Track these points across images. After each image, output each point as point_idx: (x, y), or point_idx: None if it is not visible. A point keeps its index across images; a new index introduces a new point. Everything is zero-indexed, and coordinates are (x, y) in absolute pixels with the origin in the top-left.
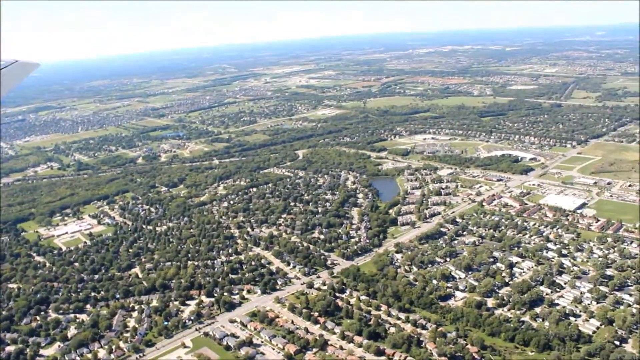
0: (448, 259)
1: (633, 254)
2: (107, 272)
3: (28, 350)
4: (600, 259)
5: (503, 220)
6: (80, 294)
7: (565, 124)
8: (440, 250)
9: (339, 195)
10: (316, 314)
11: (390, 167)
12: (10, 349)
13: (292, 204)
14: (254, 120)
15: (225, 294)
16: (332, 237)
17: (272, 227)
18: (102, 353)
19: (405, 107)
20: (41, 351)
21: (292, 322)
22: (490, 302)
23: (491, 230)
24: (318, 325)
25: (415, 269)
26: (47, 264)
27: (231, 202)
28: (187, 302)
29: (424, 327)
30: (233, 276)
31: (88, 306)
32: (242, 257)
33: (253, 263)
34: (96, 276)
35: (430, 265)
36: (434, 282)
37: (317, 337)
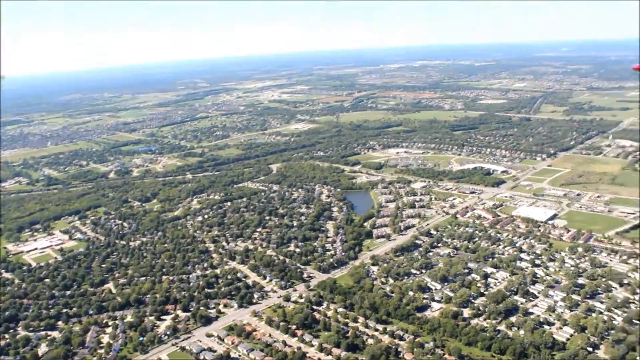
0: (424, 271)
1: (603, 263)
2: (79, 287)
3: None
4: (572, 268)
5: (477, 231)
6: (52, 310)
7: (534, 137)
8: (416, 262)
9: (314, 208)
10: (294, 326)
11: (364, 180)
12: None
13: (267, 217)
14: (227, 135)
15: (202, 308)
16: (308, 250)
17: (248, 241)
18: None
19: (378, 121)
20: None
21: (270, 335)
22: (466, 312)
23: (465, 242)
24: (296, 338)
25: (391, 280)
26: (16, 281)
27: (205, 216)
28: (163, 317)
29: (401, 338)
30: (209, 290)
31: (60, 323)
32: (217, 271)
33: (229, 277)
34: (68, 292)
35: (406, 277)
36: (411, 293)
37: (295, 350)
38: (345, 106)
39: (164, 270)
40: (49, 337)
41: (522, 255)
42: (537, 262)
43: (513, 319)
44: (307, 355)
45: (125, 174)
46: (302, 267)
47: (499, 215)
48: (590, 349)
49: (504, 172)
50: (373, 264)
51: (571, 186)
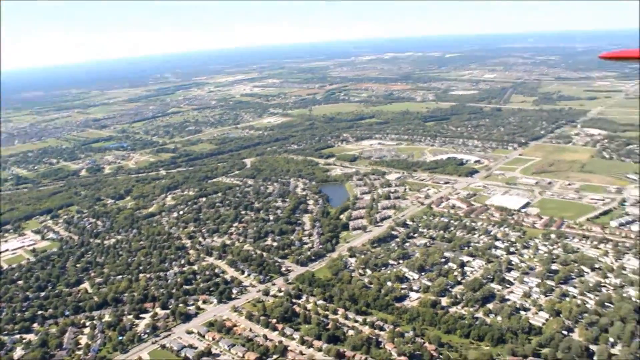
0: (401, 261)
1: (575, 249)
2: (54, 288)
3: None
4: (545, 254)
5: (452, 221)
6: (26, 313)
7: (506, 127)
8: (393, 252)
9: (290, 202)
10: (274, 320)
11: (339, 173)
12: None
13: (243, 212)
14: (200, 130)
15: (181, 305)
16: (285, 244)
17: (224, 236)
18: None
19: (351, 113)
20: None
21: (251, 330)
22: (445, 300)
23: (441, 232)
24: (277, 332)
25: (369, 272)
26: None
27: (181, 212)
28: (142, 315)
29: (381, 329)
30: (187, 287)
31: (35, 325)
32: (195, 267)
33: (207, 273)
34: (42, 293)
35: (384, 268)
36: (389, 284)
37: (277, 344)
38: (318, 99)
39: (141, 268)
40: (24, 340)
41: (497, 244)
42: (512, 249)
43: (490, 305)
44: (289, 348)
45: (97, 171)
46: (280, 260)
47: (473, 205)
48: (565, 332)
49: (477, 162)
50: (350, 256)
51: (542, 174)
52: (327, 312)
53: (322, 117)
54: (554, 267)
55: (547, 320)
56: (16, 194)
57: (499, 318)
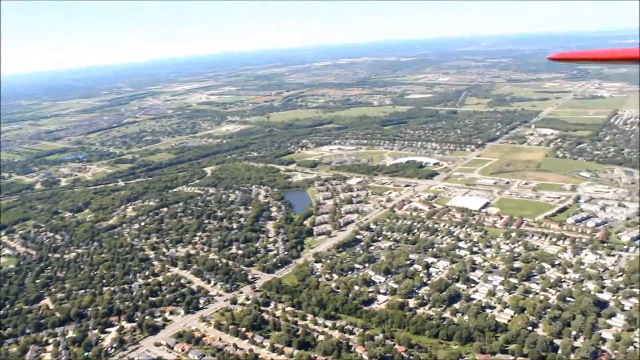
0: (367, 265)
1: (535, 246)
2: (12, 306)
3: None
4: (507, 253)
5: (415, 223)
6: None
7: (462, 129)
8: (359, 256)
9: (253, 209)
10: (243, 329)
11: (300, 179)
12: None
13: (206, 221)
14: (157, 140)
15: (147, 317)
16: (250, 251)
17: (188, 246)
18: None
19: (309, 119)
20: None
21: (220, 339)
22: (412, 302)
23: (405, 234)
24: (246, 340)
25: (336, 276)
26: None
27: (142, 223)
28: (107, 329)
29: (351, 332)
30: (153, 299)
31: None
32: (160, 278)
33: (173, 284)
34: (0, 312)
35: (350, 272)
36: (356, 288)
37: (247, 352)
38: (275, 106)
39: (104, 281)
40: None
41: (460, 244)
42: (475, 249)
43: (457, 305)
44: (260, 356)
45: (53, 184)
46: (246, 268)
47: (434, 207)
48: (530, 328)
49: (436, 164)
50: (316, 261)
51: (500, 175)
52: (296, 319)
53: (281, 123)
54: (516, 264)
55: (512, 317)
56: None
57: (465, 317)
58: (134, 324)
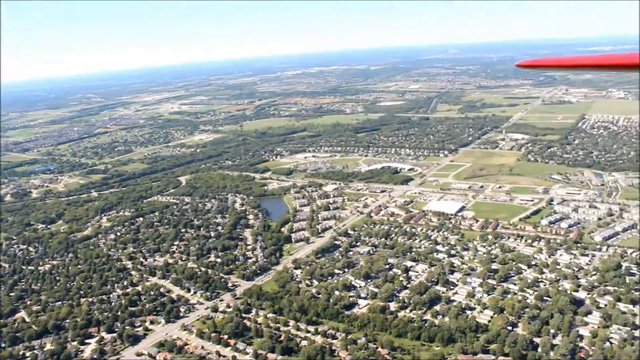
0: (346, 270)
1: (511, 248)
2: None
3: None
4: (484, 255)
5: (392, 228)
6: None
7: (435, 135)
8: (338, 262)
9: (230, 217)
10: (225, 336)
11: (276, 186)
12: None
13: (183, 230)
14: (130, 150)
15: (127, 327)
16: (229, 259)
17: (166, 255)
18: None
19: (282, 127)
20: None
21: (202, 347)
22: (393, 305)
23: (383, 239)
24: (229, 348)
25: (316, 282)
26: None
27: (118, 233)
28: (87, 340)
29: (334, 337)
30: (133, 308)
31: None
32: (139, 288)
33: (152, 293)
34: None
35: (330, 278)
36: (337, 293)
37: (230, 359)
38: (248, 114)
39: (82, 292)
40: None
41: (438, 247)
42: (453, 252)
43: (437, 307)
44: None
45: (24, 195)
46: (225, 276)
47: (411, 211)
48: (510, 328)
49: (411, 170)
50: (296, 268)
51: (474, 179)
52: (278, 325)
53: (254, 132)
54: (494, 266)
55: (492, 317)
56: None
57: (446, 319)
58: (114, 335)
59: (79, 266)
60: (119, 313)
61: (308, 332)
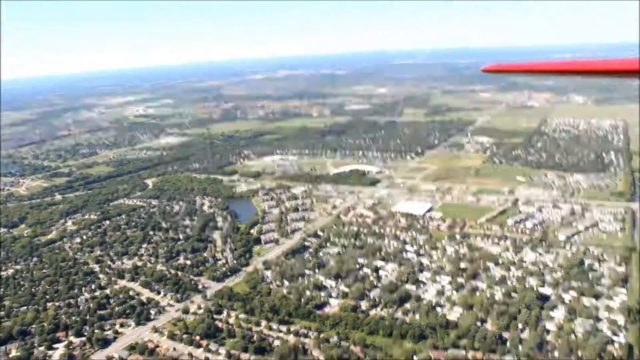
0: (317, 270)
1: (479, 247)
2: None
3: None
4: (453, 254)
5: (361, 229)
6: None
7: (402, 139)
8: (308, 262)
9: (198, 220)
10: (197, 337)
11: (244, 189)
12: None
13: (151, 233)
14: (94, 152)
15: (97, 331)
16: (198, 261)
17: (134, 258)
18: None
19: (249, 131)
20: None
21: (174, 349)
22: (364, 304)
23: (352, 240)
24: (201, 349)
25: (287, 283)
26: None
27: (84, 237)
28: (55, 345)
29: (306, 336)
30: (102, 312)
31: None
32: (107, 291)
33: (121, 296)
34: None
35: (300, 278)
36: (308, 293)
37: None
38: (215, 117)
39: (47, 297)
40: None
41: (407, 247)
42: (421, 252)
43: (408, 305)
44: None
45: None
46: (195, 278)
47: (379, 212)
48: (479, 324)
49: (379, 172)
50: (266, 269)
51: (441, 181)
52: (250, 325)
53: (221, 135)
54: (462, 265)
55: (461, 314)
56: None
57: (417, 316)
58: (83, 339)
59: (44, 270)
60: (88, 317)
61: (280, 331)
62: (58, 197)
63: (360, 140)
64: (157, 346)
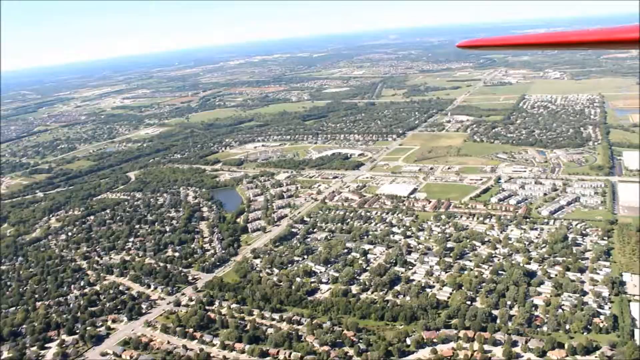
0: (306, 256)
1: (465, 226)
2: None
3: None
4: (439, 234)
5: (348, 213)
6: None
7: (382, 120)
8: (296, 249)
9: (184, 211)
10: (191, 329)
11: (228, 177)
12: None
13: (137, 226)
14: (73, 147)
15: (89, 328)
16: (187, 253)
17: (122, 253)
18: None
19: (229, 118)
20: None
21: (168, 342)
22: (354, 288)
23: (339, 224)
24: (195, 341)
25: (276, 270)
26: None
27: (69, 233)
28: (47, 345)
29: (299, 323)
30: (93, 308)
31: None
32: (97, 287)
33: (111, 291)
34: None
35: (290, 265)
36: (298, 279)
37: (198, 352)
38: (193, 106)
39: (36, 296)
40: None
41: (394, 229)
42: (408, 233)
43: (398, 287)
44: (211, 355)
45: None
46: (185, 270)
47: (364, 196)
48: (469, 302)
49: (361, 155)
50: (255, 257)
51: (424, 161)
52: (242, 315)
53: (201, 124)
54: (449, 245)
55: (451, 293)
56: None
57: (407, 298)
58: (76, 337)
59: (31, 269)
60: (79, 314)
61: (273, 319)
62: (39, 194)
63: (341, 124)
64: (151, 340)
